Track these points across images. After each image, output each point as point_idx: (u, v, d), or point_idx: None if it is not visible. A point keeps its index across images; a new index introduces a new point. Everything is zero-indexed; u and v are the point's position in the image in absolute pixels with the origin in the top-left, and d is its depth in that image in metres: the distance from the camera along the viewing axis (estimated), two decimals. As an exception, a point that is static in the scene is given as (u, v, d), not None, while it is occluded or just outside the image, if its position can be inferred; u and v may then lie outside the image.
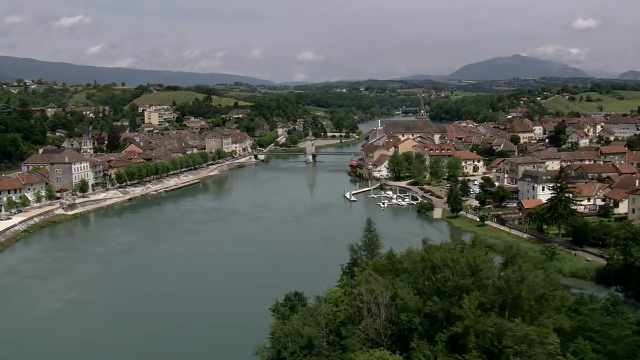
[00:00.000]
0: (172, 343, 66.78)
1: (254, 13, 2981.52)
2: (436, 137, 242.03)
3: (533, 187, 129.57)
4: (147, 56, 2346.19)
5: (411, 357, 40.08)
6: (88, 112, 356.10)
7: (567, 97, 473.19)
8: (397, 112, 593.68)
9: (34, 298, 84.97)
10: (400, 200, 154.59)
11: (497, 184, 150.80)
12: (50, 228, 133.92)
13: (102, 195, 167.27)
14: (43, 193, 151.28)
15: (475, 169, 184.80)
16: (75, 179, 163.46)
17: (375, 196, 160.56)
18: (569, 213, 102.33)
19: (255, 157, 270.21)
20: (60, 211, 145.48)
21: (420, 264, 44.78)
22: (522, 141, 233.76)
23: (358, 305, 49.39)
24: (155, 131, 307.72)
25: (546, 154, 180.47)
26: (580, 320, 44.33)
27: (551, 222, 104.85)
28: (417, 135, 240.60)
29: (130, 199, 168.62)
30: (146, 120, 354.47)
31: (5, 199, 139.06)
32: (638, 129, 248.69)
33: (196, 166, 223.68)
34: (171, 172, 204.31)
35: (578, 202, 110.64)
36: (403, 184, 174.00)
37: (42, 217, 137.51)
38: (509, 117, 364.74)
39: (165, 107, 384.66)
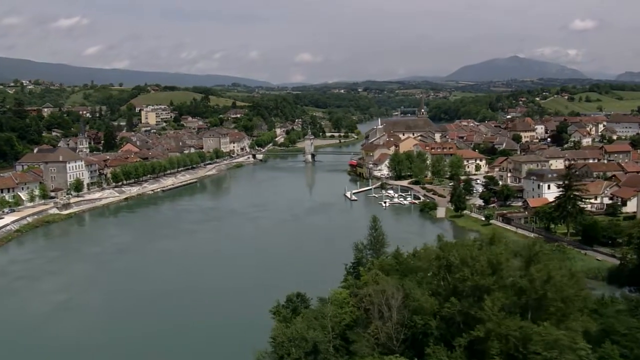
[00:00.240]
0: (169, 343, 65.06)
1: (253, 14, 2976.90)
2: (437, 136, 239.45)
3: (538, 185, 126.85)
4: (145, 57, 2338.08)
5: (427, 363, 36.88)
6: (85, 112, 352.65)
7: (566, 97, 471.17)
8: (396, 113, 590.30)
9: (27, 299, 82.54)
10: (402, 199, 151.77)
11: (500, 182, 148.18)
12: (43, 228, 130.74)
13: (97, 195, 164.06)
14: (37, 192, 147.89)
15: (478, 167, 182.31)
16: (70, 178, 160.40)
17: (376, 195, 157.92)
18: (578, 211, 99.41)
19: (254, 156, 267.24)
20: (55, 211, 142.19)
21: (435, 263, 41.42)
22: (523, 140, 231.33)
23: (366, 307, 46.47)
24: (152, 131, 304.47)
25: (550, 152, 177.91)
26: (605, 322, 41.20)
27: (559, 221, 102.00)
28: (418, 134, 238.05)
29: (126, 199, 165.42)
30: (143, 120, 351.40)
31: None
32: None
33: (194, 166, 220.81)
34: (168, 172, 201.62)
35: (588, 200, 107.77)
36: (404, 183, 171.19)
37: (35, 216, 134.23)
38: (508, 117, 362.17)
39: (162, 107, 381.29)
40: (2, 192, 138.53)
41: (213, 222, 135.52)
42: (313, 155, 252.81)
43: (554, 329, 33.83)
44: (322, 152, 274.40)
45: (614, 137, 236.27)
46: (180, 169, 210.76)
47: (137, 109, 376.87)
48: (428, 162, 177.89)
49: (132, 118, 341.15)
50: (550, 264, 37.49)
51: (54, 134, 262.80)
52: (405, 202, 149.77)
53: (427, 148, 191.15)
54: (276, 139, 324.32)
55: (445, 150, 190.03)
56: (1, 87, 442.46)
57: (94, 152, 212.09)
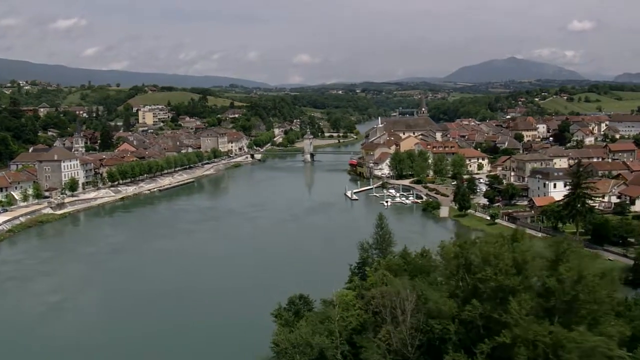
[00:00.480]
0: (168, 343, 63.19)
1: (253, 15, 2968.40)
2: (438, 135, 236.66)
3: (544, 184, 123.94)
4: (143, 58, 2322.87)
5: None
6: (81, 112, 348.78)
7: (565, 97, 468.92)
8: (394, 114, 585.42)
9: (19, 299, 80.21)
10: (404, 198, 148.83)
11: (504, 181, 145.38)
12: (37, 228, 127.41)
13: (92, 195, 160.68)
14: (30, 192, 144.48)
15: (480, 166, 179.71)
16: (65, 178, 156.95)
17: (377, 195, 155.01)
18: (587, 210, 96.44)
19: (252, 156, 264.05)
20: (48, 210, 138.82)
21: (453, 262, 38.20)
22: (525, 139, 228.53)
23: (374, 310, 43.35)
24: (149, 131, 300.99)
25: (553, 151, 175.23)
26: (636, 326, 38.14)
27: (568, 220, 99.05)
28: (419, 133, 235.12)
29: (122, 198, 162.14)
30: (140, 120, 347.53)
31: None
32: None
33: (191, 165, 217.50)
34: (165, 171, 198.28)
35: (597, 199, 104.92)
36: (406, 182, 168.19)
37: (28, 216, 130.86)
38: (508, 117, 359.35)
39: (159, 107, 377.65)
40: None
41: (211, 222, 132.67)
42: (312, 155, 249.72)
43: (589, 334, 30.69)
44: (321, 151, 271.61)
45: (617, 136, 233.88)
46: (177, 169, 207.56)
47: (135, 109, 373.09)
48: (430, 161, 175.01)
49: (129, 118, 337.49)
50: (583, 262, 34.23)
51: (50, 133, 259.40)
52: (407, 201, 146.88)
53: (428, 147, 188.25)
54: (274, 139, 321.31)
55: (447, 149, 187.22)
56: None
57: (90, 152, 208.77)
